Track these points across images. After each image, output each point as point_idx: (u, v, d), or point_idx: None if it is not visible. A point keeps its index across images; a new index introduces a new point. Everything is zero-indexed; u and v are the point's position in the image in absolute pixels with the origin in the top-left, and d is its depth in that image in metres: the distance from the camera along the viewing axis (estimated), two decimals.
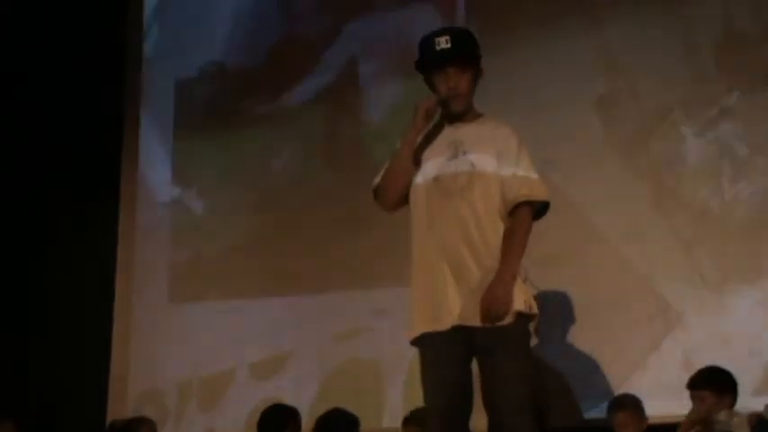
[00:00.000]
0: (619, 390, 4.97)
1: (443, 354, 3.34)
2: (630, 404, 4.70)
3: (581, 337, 5.23)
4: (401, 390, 5.50)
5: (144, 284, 6.64)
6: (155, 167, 6.92)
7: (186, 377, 6.30)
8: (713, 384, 4.39)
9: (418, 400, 3.54)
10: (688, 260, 5.15)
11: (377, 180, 3.60)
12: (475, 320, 3.29)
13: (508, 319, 3.28)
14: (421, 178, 3.49)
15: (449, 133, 3.53)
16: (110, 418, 6.18)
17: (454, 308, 3.33)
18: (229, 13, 6.94)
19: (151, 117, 7.07)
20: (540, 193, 3.42)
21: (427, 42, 3.53)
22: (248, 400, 5.85)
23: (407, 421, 4.87)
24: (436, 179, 3.45)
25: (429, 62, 3.53)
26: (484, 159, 3.41)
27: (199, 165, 6.77)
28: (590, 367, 5.15)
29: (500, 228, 3.39)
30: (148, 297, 6.61)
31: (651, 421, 4.78)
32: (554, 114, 5.53)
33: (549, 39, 5.68)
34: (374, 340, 5.74)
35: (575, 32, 5.66)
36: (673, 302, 5.13)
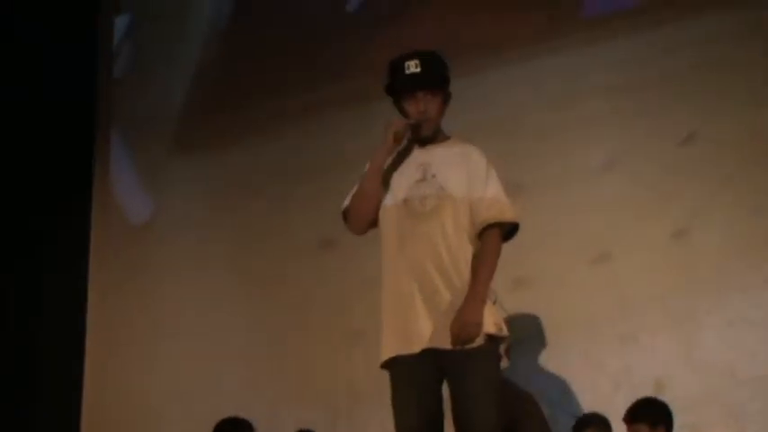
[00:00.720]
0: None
1: (413, 377, 3.33)
2: (597, 421, 4.69)
3: (552, 359, 5.24)
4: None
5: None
6: (127, 188, 6.89)
7: (158, 396, 6.27)
8: (649, 417, 4.40)
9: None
10: (659, 283, 5.15)
11: (346, 203, 3.59)
12: (445, 343, 3.28)
13: (478, 342, 3.27)
14: (390, 201, 3.48)
15: (417, 155, 3.52)
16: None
17: (424, 331, 3.31)
18: (204, 28, 6.92)
19: (123, 135, 7.04)
20: (509, 215, 3.42)
21: (396, 65, 3.51)
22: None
23: None
24: (405, 201, 3.43)
25: (398, 86, 3.52)
26: (453, 182, 3.41)
27: (172, 182, 6.74)
28: (561, 390, 5.14)
29: (469, 250, 3.38)
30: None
31: None
32: (525, 138, 5.53)
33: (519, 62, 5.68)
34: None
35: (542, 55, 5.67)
36: (644, 325, 5.12)
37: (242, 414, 5.19)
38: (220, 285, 6.38)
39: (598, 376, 5.14)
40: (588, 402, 5.08)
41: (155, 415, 6.29)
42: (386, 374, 3.44)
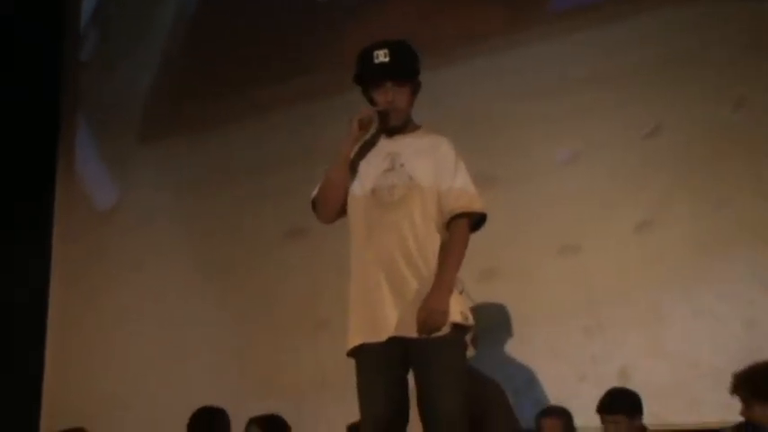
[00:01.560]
0: (556, 402, 4.98)
1: (379, 364, 3.34)
2: (558, 412, 4.74)
3: (519, 349, 5.28)
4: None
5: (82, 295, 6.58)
6: (93, 175, 6.85)
7: (122, 385, 6.25)
8: (626, 407, 4.43)
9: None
10: (624, 274, 5.19)
11: (314, 192, 3.59)
12: (411, 332, 3.29)
13: (444, 330, 3.28)
14: (358, 190, 3.48)
15: (386, 145, 3.53)
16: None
17: (391, 319, 3.32)
18: (172, 13, 6.88)
19: (89, 121, 6.99)
20: (477, 206, 3.42)
21: (366, 55, 3.51)
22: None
23: None
24: (373, 191, 3.44)
25: (367, 75, 3.51)
26: (421, 172, 3.41)
27: (138, 170, 6.72)
28: (527, 379, 5.18)
29: (437, 240, 3.39)
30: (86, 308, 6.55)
31: None
32: (491, 130, 5.55)
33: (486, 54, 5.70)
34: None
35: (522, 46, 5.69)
36: (609, 315, 5.17)
37: (207, 403, 5.19)
38: (186, 274, 6.38)
39: (564, 366, 5.18)
40: (554, 392, 5.13)
41: (118, 403, 6.28)
42: (352, 363, 3.44)
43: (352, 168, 3.51)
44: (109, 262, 6.70)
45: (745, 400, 3.90)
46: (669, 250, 5.13)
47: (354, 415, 3.47)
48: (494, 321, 5.18)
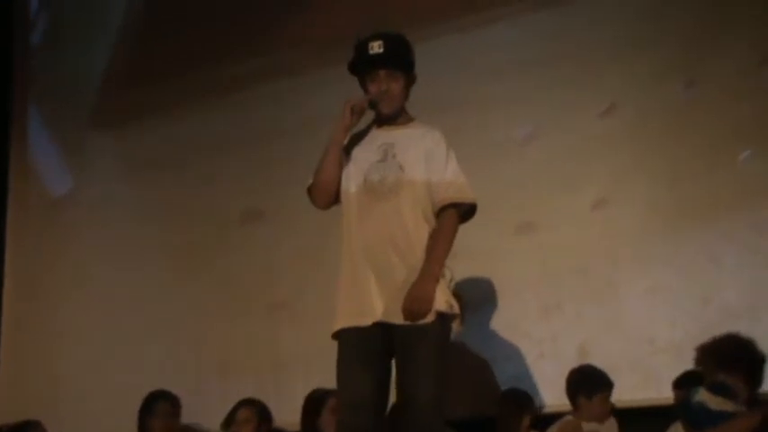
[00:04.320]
0: (516, 380, 5.03)
1: (362, 347, 3.40)
2: (511, 397, 4.81)
3: (478, 328, 5.28)
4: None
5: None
6: (46, 162, 6.77)
7: (77, 369, 6.19)
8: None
9: None
10: (581, 252, 5.23)
11: (310, 180, 3.63)
12: (397, 318, 3.35)
13: (429, 318, 3.34)
14: (351, 179, 3.54)
15: (379, 136, 3.59)
16: None
17: (377, 305, 3.38)
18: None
19: (41, 106, 6.90)
20: (467, 196, 3.50)
21: (361, 46, 3.57)
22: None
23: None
24: (366, 181, 3.50)
25: (361, 66, 3.58)
26: (413, 163, 3.48)
27: (92, 155, 6.64)
28: (488, 358, 5.20)
29: (426, 229, 3.46)
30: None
31: (549, 410, 4.92)
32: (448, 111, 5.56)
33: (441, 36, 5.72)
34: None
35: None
36: (567, 293, 5.21)
37: (166, 386, 5.17)
38: (142, 259, 6.31)
39: (523, 344, 5.21)
40: (513, 370, 5.17)
41: (73, 387, 6.21)
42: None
43: (347, 158, 3.57)
44: (63, 250, 6.63)
45: (709, 371, 3.98)
46: (625, 228, 5.18)
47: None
48: None
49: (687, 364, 4.29)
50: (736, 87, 5.10)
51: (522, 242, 5.35)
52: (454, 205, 3.47)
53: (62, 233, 6.64)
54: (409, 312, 3.32)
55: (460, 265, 5.24)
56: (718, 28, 5.19)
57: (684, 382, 4.44)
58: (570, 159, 5.35)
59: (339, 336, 3.46)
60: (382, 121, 3.61)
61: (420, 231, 3.44)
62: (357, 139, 3.62)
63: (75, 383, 6.24)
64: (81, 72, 6.86)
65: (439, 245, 3.41)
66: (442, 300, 3.38)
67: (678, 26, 5.28)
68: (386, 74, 3.53)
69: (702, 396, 3.83)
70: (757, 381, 3.99)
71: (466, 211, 3.54)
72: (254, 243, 5.99)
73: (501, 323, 5.27)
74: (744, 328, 4.16)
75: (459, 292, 5.07)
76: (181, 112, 6.44)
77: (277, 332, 5.75)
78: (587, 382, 4.61)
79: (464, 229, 5.21)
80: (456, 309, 3.45)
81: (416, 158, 3.48)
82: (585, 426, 4.56)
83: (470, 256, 5.29)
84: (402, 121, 3.61)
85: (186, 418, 5.23)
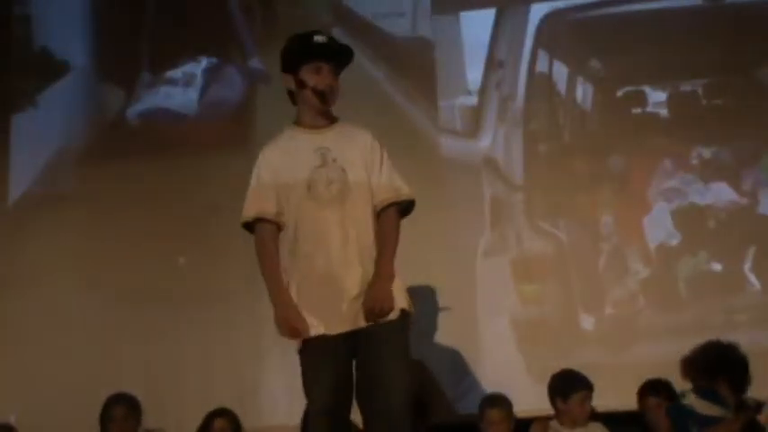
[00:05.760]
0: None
1: (328, 354, 3.38)
2: (501, 402, 4.78)
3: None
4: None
5: None
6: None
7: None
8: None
9: None
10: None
11: (247, 216, 3.52)
12: (360, 323, 3.38)
13: (393, 316, 3.39)
14: (290, 189, 3.47)
15: (310, 139, 3.53)
16: None
17: (338, 313, 3.38)
18: None
19: None
20: (405, 194, 3.54)
21: (302, 38, 3.54)
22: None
23: None
24: (309, 187, 3.46)
25: (302, 53, 3.51)
26: (353, 165, 3.50)
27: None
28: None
29: (373, 231, 3.49)
30: None
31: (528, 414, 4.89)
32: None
33: None
34: None
35: None
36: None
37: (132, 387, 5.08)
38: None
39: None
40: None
41: (33, 387, 5.98)
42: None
43: (281, 165, 3.50)
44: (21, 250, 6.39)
45: (695, 382, 4.05)
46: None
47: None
48: None
49: None
50: None
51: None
52: (394, 204, 3.51)
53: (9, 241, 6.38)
54: (372, 312, 3.36)
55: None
56: None
57: (652, 390, 4.50)
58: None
59: (303, 343, 3.42)
60: (308, 122, 3.55)
61: (369, 233, 3.47)
62: (283, 144, 3.55)
63: (38, 383, 6.03)
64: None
65: (389, 244, 3.46)
66: (402, 297, 3.43)
67: None
68: (328, 69, 3.50)
69: (690, 401, 3.84)
70: (741, 385, 4.00)
71: (405, 208, 3.57)
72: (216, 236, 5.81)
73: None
74: None
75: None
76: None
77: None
78: (563, 385, 4.61)
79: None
80: (412, 307, 3.47)
81: (355, 161, 3.50)
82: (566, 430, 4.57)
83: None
84: (329, 123, 3.57)
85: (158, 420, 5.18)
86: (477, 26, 5.72)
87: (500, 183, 5.53)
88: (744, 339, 4.20)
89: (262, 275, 3.47)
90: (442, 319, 5.27)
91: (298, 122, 3.57)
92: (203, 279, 5.73)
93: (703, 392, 3.85)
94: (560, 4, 5.67)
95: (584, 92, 5.55)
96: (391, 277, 3.41)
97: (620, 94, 5.56)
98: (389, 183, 3.51)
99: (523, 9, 5.68)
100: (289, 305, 3.38)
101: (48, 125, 6.18)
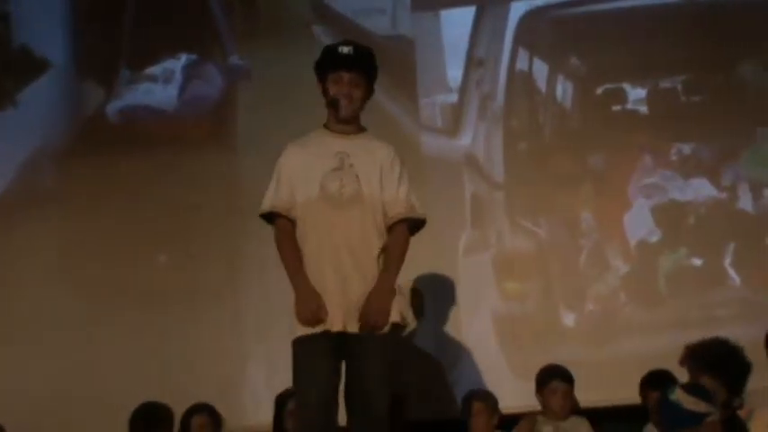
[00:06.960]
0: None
1: (320, 355, 3.45)
2: (484, 395, 4.80)
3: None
4: None
5: None
6: None
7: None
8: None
9: None
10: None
11: (266, 208, 3.60)
12: (353, 328, 3.45)
13: (385, 329, 3.47)
14: (307, 186, 3.55)
15: (333, 143, 3.61)
16: None
17: (335, 316, 3.44)
18: None
19: None
20: (417, 212, 3.60)
21: (330, 48, 3.68)
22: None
23: None
24: (322, 188, 3.53)
25: (327, 63, 3.63)
26: (368, 174, 3.55)
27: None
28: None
29: (380, 241, 3.54)
30: None
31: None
32: None
33: None
34: None
35: None
36: None
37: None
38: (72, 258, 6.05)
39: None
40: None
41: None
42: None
43: (301, 165, 3.58)
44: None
45: (694, 372, 3.98)
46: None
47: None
48: None
49: None
50: None
51: None
52: (406, 220, 3.56)
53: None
54: (366, 323, 3.43)
55: None
56: None
57: (654, 382, 4.46)
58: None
59: (297, 342, 3.50)
60: (334, 126, 3.64)
61: (375, 241, 3.52)
62: (308, 142, 3.66)
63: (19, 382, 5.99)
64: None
65: (394, 258, 3.53)
66: (396, 311, 3.51)
67: None
68: (349, 78, 3.57)
69: (677, 395, 3.84)
70: (739, 388, 4.00)
71: (416, 226, 3.62)
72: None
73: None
74: None
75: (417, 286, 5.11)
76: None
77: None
78: (540, 376, 4.68)
79: None
80: (407, 320, 3.75)
81: (372, 170, 3.56)
82: (547, 424, 4.59)
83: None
84: (355, 130, 3.65)
85: None
86: (457, 24, 5.73)
87: (481, 180, 5.55)
88: (724, 334, 4.20)
89: (284, 268, 3.54)
90: (424, 317, 5.23)
91: (326, 125, 3.66)
92: (184, 276, 5.69)
93: (691, 388, 3.85)
94: (540, 2, 5.67)
95: (563, 89, 5.58)
96: (392, 291, 3.49)
97: (599, 91, 5.58)
98: (405, 199, 3.56)
99: (503, 7, 5.69)
100: (315, 294, 3.44)
101: (27, 123, 6.13)
